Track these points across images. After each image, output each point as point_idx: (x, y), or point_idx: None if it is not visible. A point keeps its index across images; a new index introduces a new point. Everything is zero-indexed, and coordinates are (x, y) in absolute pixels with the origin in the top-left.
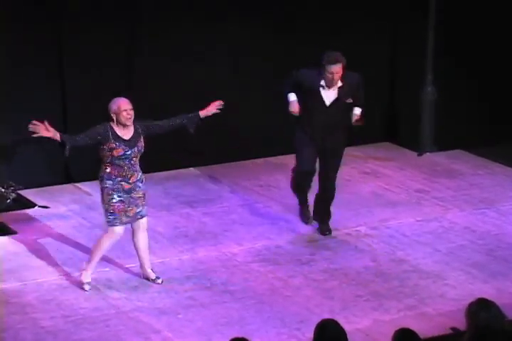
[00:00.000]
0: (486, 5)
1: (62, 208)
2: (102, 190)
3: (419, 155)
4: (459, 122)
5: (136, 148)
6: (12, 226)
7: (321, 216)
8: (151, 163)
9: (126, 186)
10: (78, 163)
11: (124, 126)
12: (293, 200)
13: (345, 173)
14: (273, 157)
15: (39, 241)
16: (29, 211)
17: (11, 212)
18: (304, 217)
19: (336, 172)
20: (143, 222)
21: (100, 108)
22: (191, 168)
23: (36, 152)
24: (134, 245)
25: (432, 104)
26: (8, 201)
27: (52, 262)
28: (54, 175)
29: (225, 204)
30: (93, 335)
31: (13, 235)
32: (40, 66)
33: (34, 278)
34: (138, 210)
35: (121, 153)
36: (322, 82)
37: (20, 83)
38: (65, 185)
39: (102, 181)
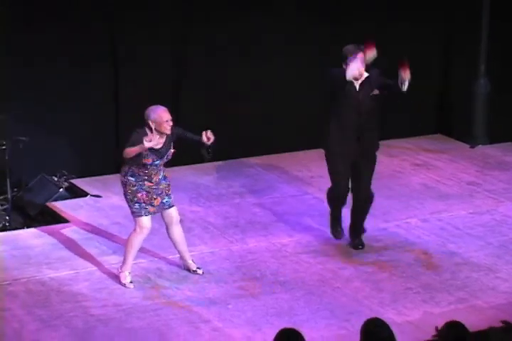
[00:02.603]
0: None
1: (114, 197)
2: (125, 183)
3: (472, 147)
4: None
5: (165, 157)
6: (64, 215)
7: (355, 229)
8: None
9: (148, 184)
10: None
11: (161, 135)
12: None
13: (396, 165)
14: None
15: (91, 230)
16: (81, 200)
17: (63, 201)
18: (335, 230)
19: (371, 176)
20: (174, 214)
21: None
22: (242, 159)
23: (88, 142)
24: (171, 239)
25: (484, 96)
26: (61, 190)
27: (104, 251)
28: (106, 165)
29: (275, 195)
30: (143, 324)
31: (66, 224)
32: (94, 62)
33: (86, 267)
34: (164, 200)
35: (150, 162)
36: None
37: (76, 75)
38: (117, 175)
39: (125, 176)
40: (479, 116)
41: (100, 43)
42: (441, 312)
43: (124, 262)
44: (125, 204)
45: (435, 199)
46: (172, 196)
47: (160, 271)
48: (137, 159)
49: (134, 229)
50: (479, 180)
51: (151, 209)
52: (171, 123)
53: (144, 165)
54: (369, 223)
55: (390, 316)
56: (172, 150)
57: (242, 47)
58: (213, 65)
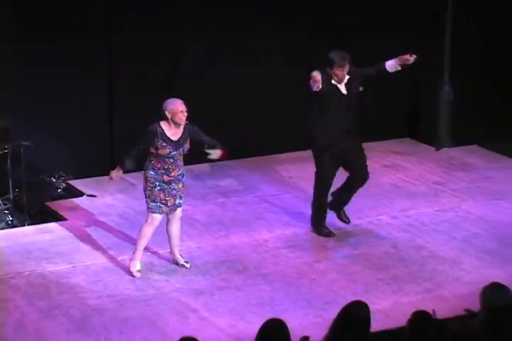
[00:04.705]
0: (503, 6)
1: (108, 197)
2: (146, 178)
3: (437, 150)
4: (474, 119)
5: (181, 149)
6: (62, 214)
7: (343, 204)
8: (190, 156)
9: (167, 178)
10: (122, 157)
11: (176, 125)
12: None
13: (368, 166)
14: (302, 151)
15: (87, 227)
16: (78, 199)
17: (61, 201)
18: (327, 229)
19: (366, 159)
20: (177, 213)
21: (146, 107)
22: (227, 161)
23: (85, 145)
24: (167, 232)
25: (448, 102)
26: (59, 190)
27: (99, 246)
28: (101, 167)
29: (257, 194)
30: (136, 314)
31: (64, 221)
32: (89, 65)
33: (82, 261)
34: (177, 202)
35: (167, 152)
36: (333, 81)
37: (69, 80)
38: None
39: (146, 170)
40: (444, 121)
41: (97, 44)
42: (409, 302)
43: (135, 251)
44: (118, 204)
45: (404, 197)
46: (183, 199)
47: (151, 265)
48: (155, 150)
49: (146, 221)
50: (444, 180)
51: (164, 209)
52: (185, 114)
53: (162, 158)
54: None
55: None
56: (188, 146)
57: (239, 52)
58: (203, 70)
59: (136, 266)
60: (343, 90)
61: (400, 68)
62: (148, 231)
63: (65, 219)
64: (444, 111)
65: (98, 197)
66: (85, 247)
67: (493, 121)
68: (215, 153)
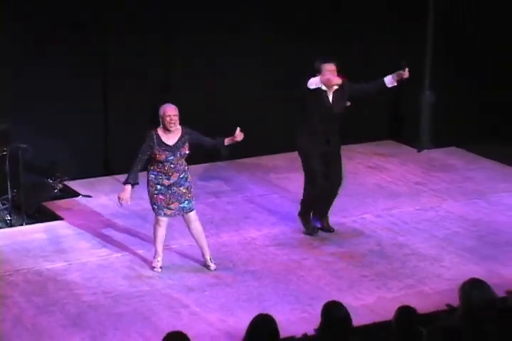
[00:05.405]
0: (485, 9)
1: (103, 197)
2: (148, 181)
3: (419, 151)
4: (454, 122)
5: (178, 154)
6: (59, 213)
7: (325, 215)
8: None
9: (166, 182)
10: (117, 158)
11: (168, 130)
12: None
13: (352, 168)
14: (290, 153)
15: (82, 226)
16: (74, 200)
17: (58, 201)
18: (312, 228)
19: (340, 163)
20: (192, 218)
21: (141, 111)
22: (218, 162)
23: (82, 147)
24: (192, 235)
25: (429, 106)
26: (56, 191)
27: (94, 245)
28: (96, 168)
29: (246, 195)
30: (129, 309)
31: (60, 221)
32: (87, 66)
33: (78, 259)
34: (182, 205)
35: (164, 158)
36: (323, 87)
37: (68, 80)
38: (105, 177)
39: (147, 173)
40: (425, 124)
41: (97, 44)
42: (392, 297)
43: (155, 250)
44: (112, 204)
45: (387, 197)
46: (193, 201)
47: (144, 262)
48: (153, 156)
49: (155, 222)
50: (425, 180)
51: (167, 211)
52: (173, 118)
53: (161, 163)
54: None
55: (347, 301)
56: (186, 151)
57: (238, 52)
58: (203, 70)
59: (156, 263)
60: (330, 99)
61: (396, 84)
62: (157, 232)
63: (62, 219)
64: (425, 114)
65: (93, 198)
66: (81, 245)
67: (473, 123)
68: (238, 135)
